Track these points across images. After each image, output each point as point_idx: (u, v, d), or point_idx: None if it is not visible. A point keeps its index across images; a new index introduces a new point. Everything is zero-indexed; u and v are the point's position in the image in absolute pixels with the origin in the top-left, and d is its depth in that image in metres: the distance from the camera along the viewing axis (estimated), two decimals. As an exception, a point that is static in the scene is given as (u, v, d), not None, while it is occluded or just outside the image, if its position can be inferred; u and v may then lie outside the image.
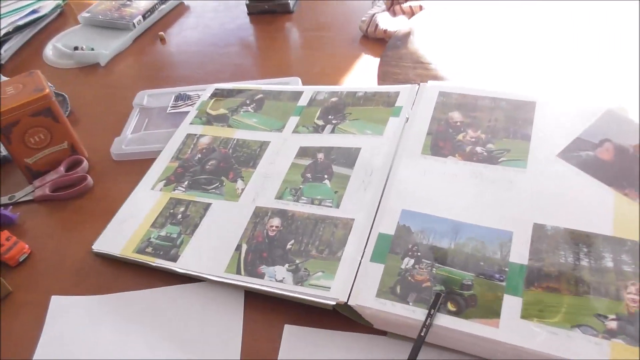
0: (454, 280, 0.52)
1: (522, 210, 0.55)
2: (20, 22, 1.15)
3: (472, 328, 0.48)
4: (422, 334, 0.49)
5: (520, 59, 0.79)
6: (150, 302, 0.60)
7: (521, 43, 0.82)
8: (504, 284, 0.51)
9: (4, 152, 0.84)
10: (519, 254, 0.52)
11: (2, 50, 1.10)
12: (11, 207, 0.75)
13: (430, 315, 0.50)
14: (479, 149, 0.62)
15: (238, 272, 0.59)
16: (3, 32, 1.11)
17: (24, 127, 0.74)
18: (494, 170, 0.60)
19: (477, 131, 0.64)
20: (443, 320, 0.49)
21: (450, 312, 0.50)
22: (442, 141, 0.64)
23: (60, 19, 1.23)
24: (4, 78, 1.00)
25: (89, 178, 0.78)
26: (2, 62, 1.10)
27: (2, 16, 1.13)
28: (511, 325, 0.48)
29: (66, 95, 0.94)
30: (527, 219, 0.54)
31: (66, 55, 1.08)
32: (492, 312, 0.49)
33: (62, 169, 0.79)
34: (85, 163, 0.80)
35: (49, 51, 1.11)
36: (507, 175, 0.59)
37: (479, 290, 0.51)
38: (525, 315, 0.48)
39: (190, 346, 0.55)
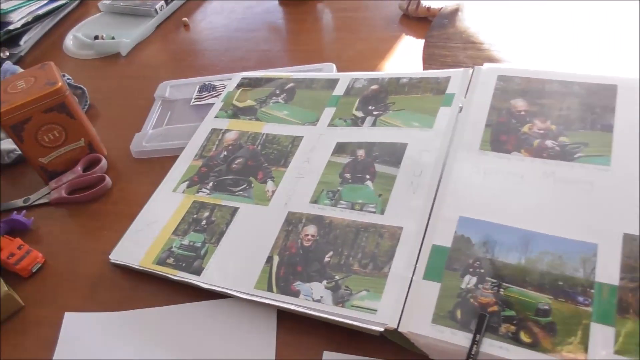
0: (527, 304, 0.43)
1: (608, 218, 0.46)
2: (40, 12, 1.09)
3: (552, 364, 0.40)
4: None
5: (593, 34, 0.68)
6: (172, 321, 0.54)
7: (593, 14, 0.71)
8: (590, 309, 0.42)
9: (19, 152, 0.79)
10: (607, 272, 0.43)
11: (22, 42, 1.05)
12: (25, 211, 0.69)
13: (475, 342, 0.41)
14: (549, 142, 0.53)
15: (269, 289, 0.51)
16: (22, 22, 1.05)
17: (36, 125, 0.68)
18: (569, 168, 0.50)
19: (547, 121, 0.55)
20: (515, 354, 0.41)
21: (523, 344, 0.41)
22: (504, 134, 0.55)
23: (81, 8, 1.17)
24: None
25: (108, 178, 0.71)
26: (22, 53, 1.04)
27: (20, 5, 1.08)
28: (603, 362, 0.39)
29: (85, 89, 0.88)
30: (614, 229, 0.45)
31: (86, 46, 1.02)
32: (576, 344, 0.40)
33: (79, 168, 0.73)
34: (103, 162, 0.74)
35: (69, 41, 1.05)
36: (587, 175, 0.49)
37: (558, 316, 0.42)
38: (622, 350, 0.39)
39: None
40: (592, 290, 0.42)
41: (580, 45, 0.67)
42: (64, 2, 1.13)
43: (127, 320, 0.55)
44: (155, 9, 1.03)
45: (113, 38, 0.99)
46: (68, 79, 0.88)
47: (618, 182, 0.48)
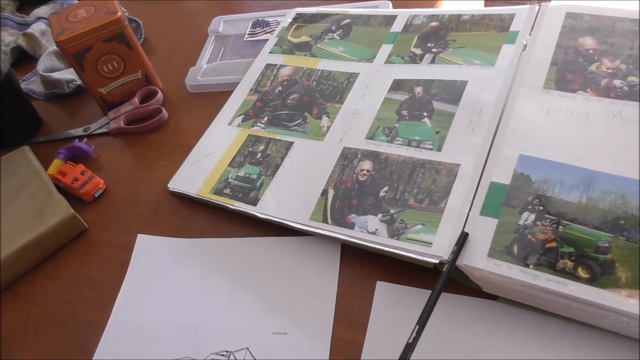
0: (586, 242, 0.43)
1: (677, 160, 0.45)
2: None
3: (609, 299, 0.40)
4: (446, 270, 0.44)
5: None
6: (243, 252, 0.55)
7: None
8: (651, 249, 0.41)
9: (78, 82, 0.81)
10: (672, 213, 0.42)
11: (75, -24, 1.06)
12: (86, 139, 0.72)
13: (453, 253, 0.45)
14: (617, 82, 0.51)
15: (324, 221, 0.52)
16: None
17: (97, 54, 0.70)
18: (637, 108, 0.49)
19: (616, 61, 0.53)
20: (573, 289, 0.41)
21: (581, 280, 0.41)
22: (570, 73, 0.53)
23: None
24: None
25: (164, 111, 0.73)
26: (76, -12, 1.05)
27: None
28: (662, 300, 0.39)
29: (140, 22, 0.89)
30: (683, 171, 0.44)
31: (139, -20, 1.02)
32: (635, 281, 0.40)
33: (136, 100, 0.75)
34: (159, 94, 0.76)
35: (121, -24, 1.05)
36: (657, 116, 0.48)
37: (618, 254, 0.42)
38: (682, 290, 0.39)
39: (280, 301, 0.51)
40: (655, 231, 0.42)
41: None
42: None
43: (194, 247, 0.57)
44: (207, -57, 1.02)
45: (165, -28, 0.99)
46: (123, 11, 0.89)
47: (690, 124, 0.46)
